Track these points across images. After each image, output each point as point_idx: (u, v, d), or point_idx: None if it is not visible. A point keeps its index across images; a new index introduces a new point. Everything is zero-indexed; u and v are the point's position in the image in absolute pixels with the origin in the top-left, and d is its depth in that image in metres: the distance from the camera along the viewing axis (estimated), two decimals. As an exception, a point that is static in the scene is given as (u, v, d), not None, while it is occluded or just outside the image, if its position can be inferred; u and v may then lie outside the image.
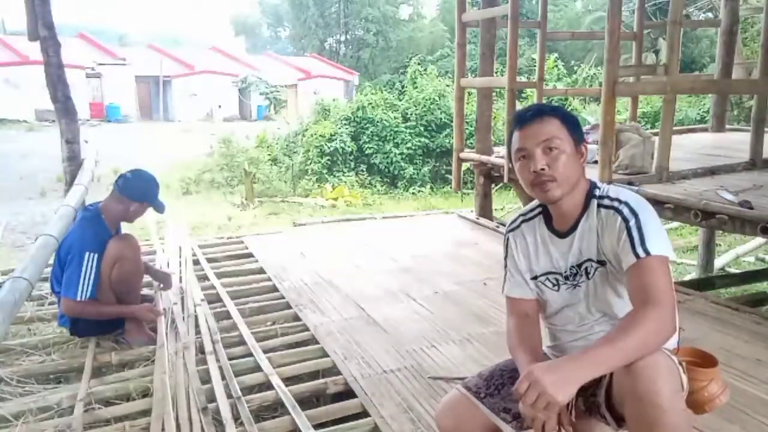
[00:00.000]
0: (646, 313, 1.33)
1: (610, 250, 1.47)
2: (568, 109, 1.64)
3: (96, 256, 2.75)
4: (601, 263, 1.50)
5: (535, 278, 1.63)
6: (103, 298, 2.84)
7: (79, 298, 2.70)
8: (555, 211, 1.57)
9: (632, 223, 1.42)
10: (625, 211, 1.45)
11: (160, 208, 2.99)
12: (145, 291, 3.52)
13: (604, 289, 1.53)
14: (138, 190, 2.90)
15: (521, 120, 1.53)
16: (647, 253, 1.38)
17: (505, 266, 1.70)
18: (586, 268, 1.53)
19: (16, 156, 14.11)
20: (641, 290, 1.37)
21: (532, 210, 1.66)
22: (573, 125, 1.52)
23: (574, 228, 1.54)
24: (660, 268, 1.39)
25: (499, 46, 5.74)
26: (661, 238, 1.42)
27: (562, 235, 1.56)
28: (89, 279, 2.72)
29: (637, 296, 1.38)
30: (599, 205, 1.51)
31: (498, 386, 1.57)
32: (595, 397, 1.52)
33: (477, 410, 1.54)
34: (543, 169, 1.47)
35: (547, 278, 1.60)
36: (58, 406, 2.39)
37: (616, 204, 1.48)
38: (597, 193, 1.53)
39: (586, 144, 1.55)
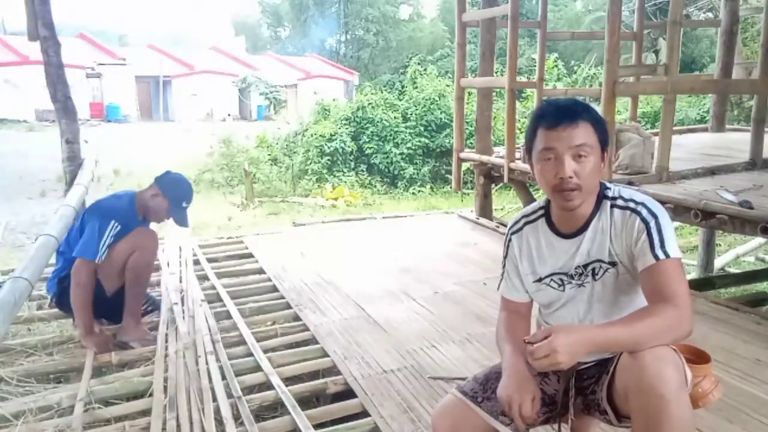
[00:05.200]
0: (665, 308, 1.35)
1: (624, 250, 1.47)
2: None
3: (120, 228, 2.80)
4: (612, 264, 1.50)
5: (539, 280, 1.61)
6: (109, 282, 2.87)
7: (97, 260, 2.74)
8: (566, 214, 1.54)
9: (652, 224, 1.42)
10: (644, 212, 1.45)
11: (180, 218, 3.00)
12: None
13: (612, 290, 1.52)
14: (170, 185, 2.97)
15: (552, 118, 1.46)
16: (667, 255, 1.39)
17: (504, 266, 1.71)
18: (593, 269, 1.52)
19: (16, 156, 14.11)
20: (660, 291, 1.38)
21: (534, 211, 1.65)
22: (602, 130, 1.49)
23: (583, 229, 1.52)
24: (679, 270, 1.40)
25: (499, 46, 5.74)
26: (675, 241, 1.44)
27: (567, 235, 1.55)
28: (107, 245, 2.76)
29: (655, 296, 1.39)
30: (612, 206, 1.50)
31: (494, 390, 1.56)
32: (594, 395, 1.52)
33: (474, 415, 1.53)
34: (571, 177, 1.43)
35: (552, 279, 1.59)
36: (58, 406, 2.39)
37: (632, 205, 1.47)
38: (609, 194, 1.52)
39: (608, 149, 1.52)
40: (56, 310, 3.15)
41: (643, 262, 1.42)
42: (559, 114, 1.46)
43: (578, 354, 1.27)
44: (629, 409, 1.37)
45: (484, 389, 1.57)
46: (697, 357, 1.50)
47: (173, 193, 2.95)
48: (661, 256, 1.39)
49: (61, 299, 2.91)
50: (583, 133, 1.44)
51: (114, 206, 2.88)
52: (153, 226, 3.12)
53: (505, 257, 1.70)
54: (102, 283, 2.88)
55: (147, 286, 3.12)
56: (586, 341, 1.28)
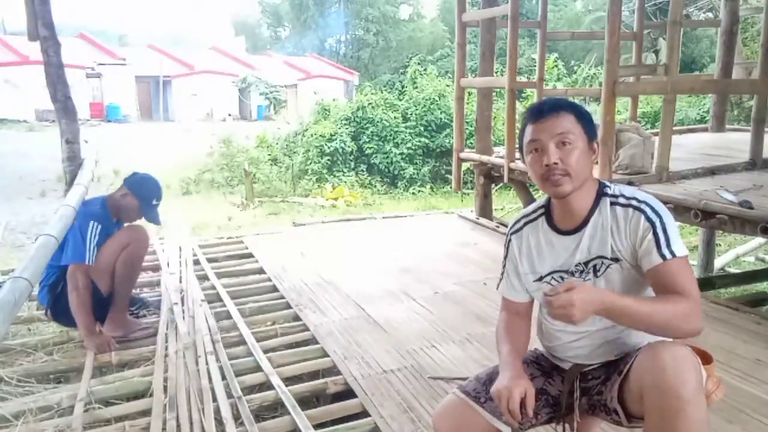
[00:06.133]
0: (680, 299, 1.38)
1: (626, 247, 1.48)
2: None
3: (100, 227, 2.85)
4: (615, 260, 1.50)
5: (540, 279, 1.61)
6: (103, 282, 2.89)
7: (87, 262, 2.78)
8: (562, 208, 1.55)
9: (657, 223, 1.44)
10: (648, 211, 1.46)
11: (152, 216, 3.05)
12: (146, 291, 3.53)
13: (616, 287, 1.51)
14: (138, 185, 3.03)
15: (536, 113, 1.52)
16: (673, 255, 1.41)
17: (504, 266, 1.72)
18: (594, 266, 1.52)
19: (16, 156, 14.11)
20: (673, 287, 1.41)
21: (534, 211, 1.66)
22: (587, 122, 1.52)
23: (583, 225, 1.53)
24: (686, 268, 1.44)
25: (499, 46, 5.74)
26: (680, 238, 1.46)
27: (567, 232, 1.56)
28: (93, 246, 2.81)
29: (667, 293, 1.42)
30: (613, 203, 1.51)
31: None
32: (600, 395, 1.52)
33: (475, 414, 1.53)
34: (556, 163, 1.46)
35: (553, 277, 1.59)
36: (58, 406, 2.39)
37: (634, 203, 1.48)
38: (608, 191, 1.53)
39: (598, 141, 1.55)
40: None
41: (649, 261, 1.43)
42: (542, 107, 1.52)
43: (589, 313, 1.31)
44: (643, 409, 1.37)
45: (486, 389, 1.56)
46: (700, 357, 1.50)
47: (143, 192, 3.02)
48: (668, 255, 1.41)
49: (56, 307, 2.91)
50: (565, 122, 1.48)
51: (89, 210, 2.92)
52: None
53: (505, 257, 1.71)
54: (97, 284, 2.88)
55: (136, 280, 3.16)
56: (598, 301, 1.32)
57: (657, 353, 1.34)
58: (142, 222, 3.12)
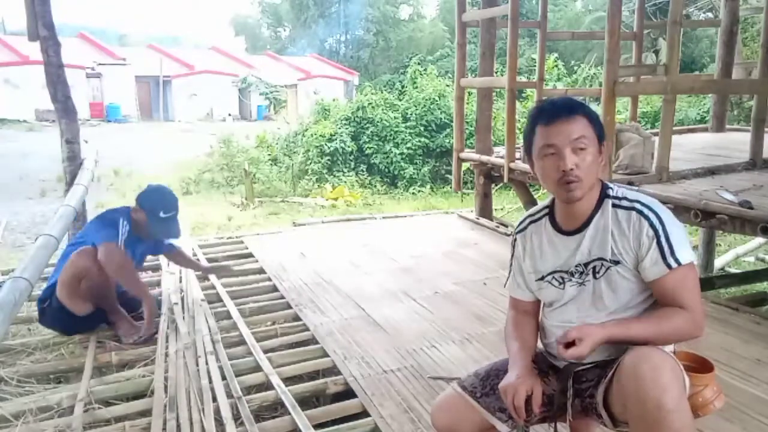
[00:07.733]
0: (680, 313, 1.42)
1: (627, 251, 1.47)
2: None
3: (129, 228, 2.86)
4: (615, 262, 1.49)
5: (541, 278, 1.62)
6: (70, 303, 2.84)
7: (119, 244, 2.78)
8: (566, 209, 1.55)
9: (661, 231, 1.44)
10: (652, 217, 1.45)
11: (161, 230, 2.96)
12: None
13: (615, 289, 1.51)
14: (144, 198, 2.97)
15: (549, 115, 1.48)
16: (678, 263, 1.42)
17: (510, 265, 1.74)
18: (594, 267, 1.52)
19: (16, 156, 14.12)
20: (674, 299, 1.44)
21: (539, 211, 1.67)
22: (598, 124, 1.51)
23: (585, 226, 1.53)
24: (690, 276, 1.44)
25: (499, 46, 5.74)
26: (686, 244, 1.46)
27: (569, 233, 1.56)
28: (122, 238, 2.82)
29: (670, 303, 1.45)
30: (615, 206, 1.50)
31: (494, 386, 1.58)
32: (592, 398, 1.52)
33: (472, 410, 1.54)
34: (572, 169, 1.44)
35: (553, 277, 1.59)
36: (58, 406, 2.39)
37: (638, 206, 1.47)
38: (611, 193, 1.53)
39: (606, 143, 1.54)
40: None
41: (654, 271, 1.44)
42: (556, 110, 1.49)
43: (596, 346, 1.41)
44: (627, 416, 1.37)
45: (483, 385, 1.59)
46: (700, 365, 1.49)
47: (147, 205, 2.92)
48: (674, 264, 1.42)
49: (42, 315, 2.94)
50: (580, 126, 1.47)
51: (119, 211, 2.94)
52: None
53: (511, 256, 1.73)
54: (69, 308, 2.85)
55: (113, 298, 2.94)
56: (604, 337, 1.40)
57: (639, 361, 1.34)
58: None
